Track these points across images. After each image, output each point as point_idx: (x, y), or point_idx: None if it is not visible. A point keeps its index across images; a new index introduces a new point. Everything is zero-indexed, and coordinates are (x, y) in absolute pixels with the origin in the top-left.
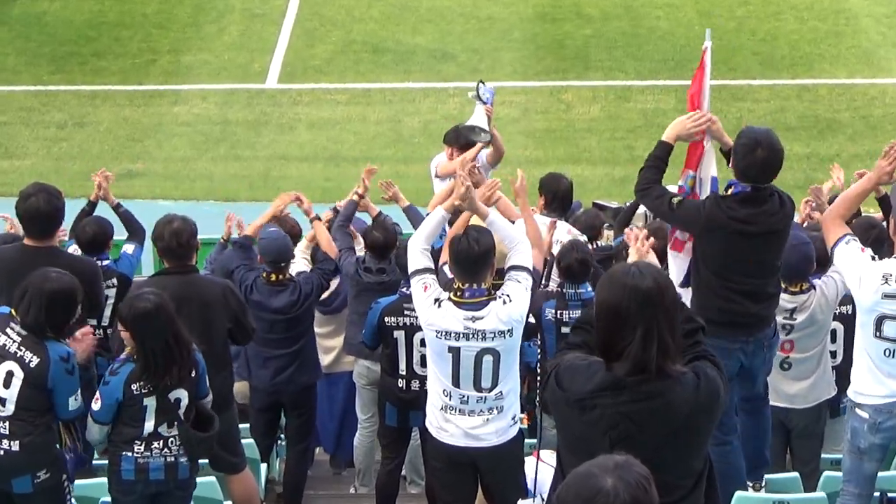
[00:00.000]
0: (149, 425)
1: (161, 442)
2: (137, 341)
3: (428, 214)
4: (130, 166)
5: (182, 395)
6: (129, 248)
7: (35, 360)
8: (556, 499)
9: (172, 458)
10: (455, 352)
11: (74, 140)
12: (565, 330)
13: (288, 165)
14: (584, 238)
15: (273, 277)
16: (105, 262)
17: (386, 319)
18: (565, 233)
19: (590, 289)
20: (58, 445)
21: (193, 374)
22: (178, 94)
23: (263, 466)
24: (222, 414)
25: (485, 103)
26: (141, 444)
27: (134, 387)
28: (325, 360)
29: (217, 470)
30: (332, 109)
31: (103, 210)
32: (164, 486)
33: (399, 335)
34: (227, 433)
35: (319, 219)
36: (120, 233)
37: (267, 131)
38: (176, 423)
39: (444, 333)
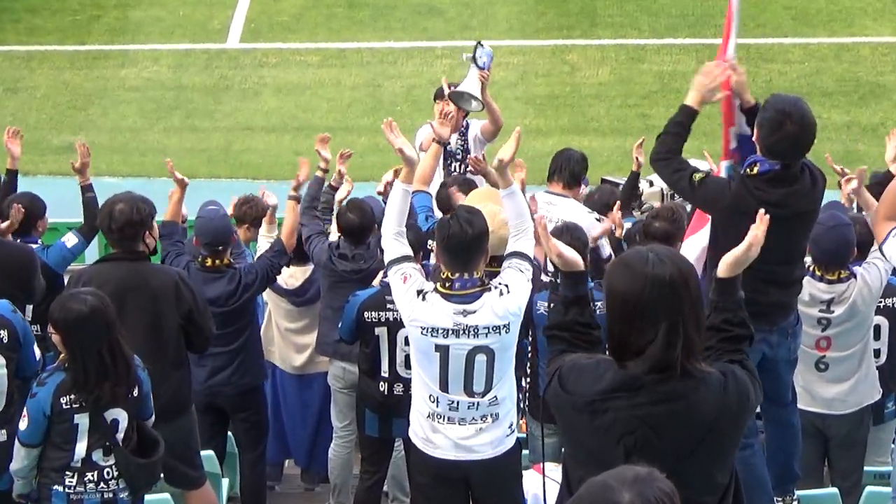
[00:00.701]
0: (80, 447)
1: (96, 473)
2: (69, 348)
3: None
4: (71, 138)
5: (120, 416)
6: (69, 240)
7: (3, 333)
8: None
9: (111, 494)
10: (443, 351)
11: (7, 108)
12: None
13: (252, 137)
14: (596, 218)
15: (209, 262)
16: (32, 247)
17: (366, 314)
18: (583, 214)
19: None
20: None
21: (136, 394)
22: (125, 54)
23: (225, 482)
24: (178, 420)
25: (481, 68)
26: (73, 476)
27: (63, 400)
28: (297, 359)
29: (173, 485)
30: (301, 72)
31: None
32: None
33: (381, 332)
34: (185, 443)
35: (298, 199)
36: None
37: (228, 98)
38: (113, 448)
39: (429, 330)
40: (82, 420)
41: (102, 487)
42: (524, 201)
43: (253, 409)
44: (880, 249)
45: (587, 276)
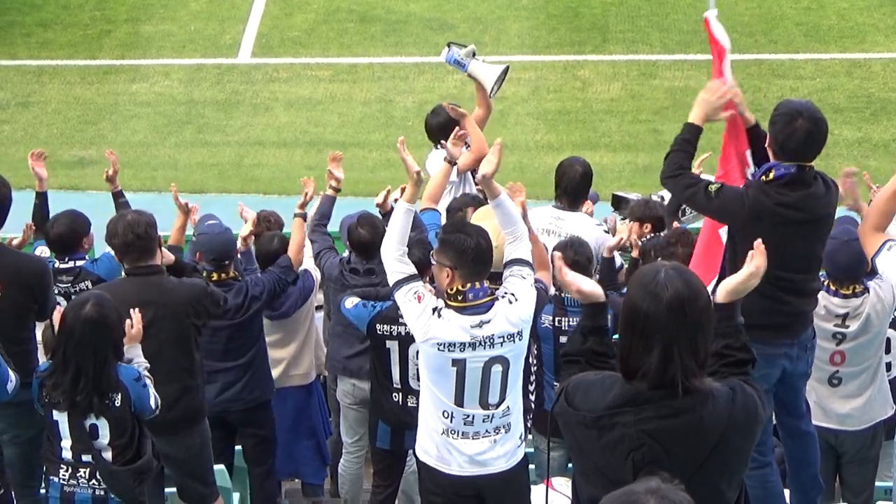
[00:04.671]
0: (66, 444)
1: (88, 471)
2: (63, 349)
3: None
4: (82, 153)
5: (99, 422)
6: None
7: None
8: None
9: (102, 492)
10: (460, 365)
11: (18, 122)
12: (564, 339)
13: (263, 151)
14: (605, 230)
15: (215, 277)
16: (80, 263)
17: (378, 327)
18: (591, 227)
19: None
20: None
21: (118, 403)
22: (136, 69)
23: (236, 496)
24: (191, 435)
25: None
26: (67, 470)
27: (44, 394)
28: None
29: (185, 501)
30: (313, 87)
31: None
32: None
33: (392, 346)
34: (196, 459)
35: (304, 217)
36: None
37: (239, 112)
38: (91, 452)
39: (447, 346)
40: (61, 418)
41: (94, 484)
42: (514, 209)
43: (261, 424)
44: (873, 262)
45: (607, 307)
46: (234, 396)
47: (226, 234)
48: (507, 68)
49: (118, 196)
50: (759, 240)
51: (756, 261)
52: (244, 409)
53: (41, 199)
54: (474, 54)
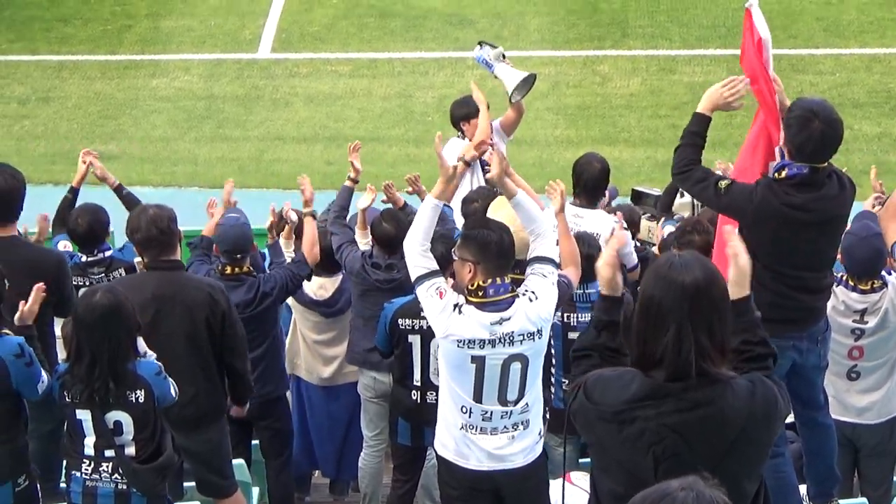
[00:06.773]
0: (89, 442)
1: (110, 465)
2: (76, 339)
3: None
4: (102, 147)
5: (123, 418)
6: None
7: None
8: None
9: (125, 486)
10: (479, 361)
11: (38, 118)
12: (573, 335)
13: (283, 146)
14: (623, 227)
15: (228, 270)
16: (108, 253)
17: (400, 322)
18: (609, 223)
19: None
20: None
21: (142, 399)
22: (156, 64)
23: (255, 490)
24: (209, 430)
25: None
26: (89, 465)
27: (66, 393)
28: (325, 371)
29: (204, 494)
30: (333, 83)
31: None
32: None
33: (414, 340)
34: (215, 452)
35: (314, 216)
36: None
37: (259, 108)
38: (115, 449)
39: (466, 343)
40: (85, 416)
41: (116, 478)
42: (533, 205)
43: (275, 417)
44: (893, 248)
45: (622, 303)
46: None
47: (241, 228)
48: (534, 77)
49: (119, 190)
50: (731, 227)
51: (732, 244)
52: (257, 404)
53: (74, 194)
54: (503, 57)
